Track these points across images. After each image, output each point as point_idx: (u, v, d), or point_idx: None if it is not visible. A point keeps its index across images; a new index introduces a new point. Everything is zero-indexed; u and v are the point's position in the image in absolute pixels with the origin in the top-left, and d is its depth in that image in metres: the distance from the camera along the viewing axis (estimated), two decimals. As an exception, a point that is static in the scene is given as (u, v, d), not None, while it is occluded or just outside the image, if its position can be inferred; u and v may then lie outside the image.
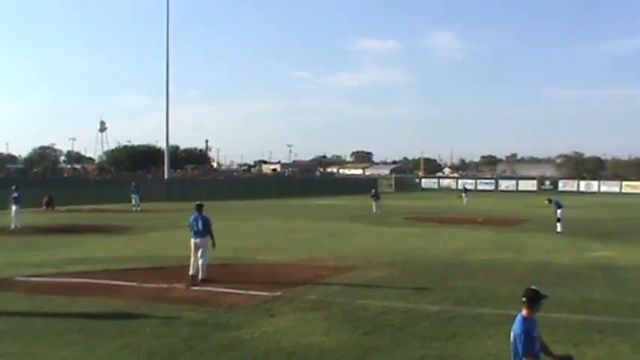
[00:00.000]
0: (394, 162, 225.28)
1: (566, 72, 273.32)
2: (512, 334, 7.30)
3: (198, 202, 19.34)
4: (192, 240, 18.51)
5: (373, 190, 56.26)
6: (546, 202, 38.17)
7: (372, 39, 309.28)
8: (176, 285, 17.68)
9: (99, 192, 62.19)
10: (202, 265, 18.27)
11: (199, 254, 18.29)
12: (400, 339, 12.36)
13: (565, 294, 16.57)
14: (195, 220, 18.59)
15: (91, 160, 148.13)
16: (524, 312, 7.35)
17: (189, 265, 18.52)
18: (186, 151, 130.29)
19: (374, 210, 50.36)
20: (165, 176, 76.38)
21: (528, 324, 7.24)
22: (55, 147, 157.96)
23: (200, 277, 18.13)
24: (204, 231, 18.48)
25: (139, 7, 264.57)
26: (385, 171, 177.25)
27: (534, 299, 7.38)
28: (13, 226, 34.54)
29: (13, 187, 37.72)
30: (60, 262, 22.04)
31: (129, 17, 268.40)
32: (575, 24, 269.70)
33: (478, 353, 11.48)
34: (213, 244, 18.67)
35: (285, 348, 11.71)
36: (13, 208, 35.47)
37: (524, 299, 7.39)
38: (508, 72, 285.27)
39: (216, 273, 19.29)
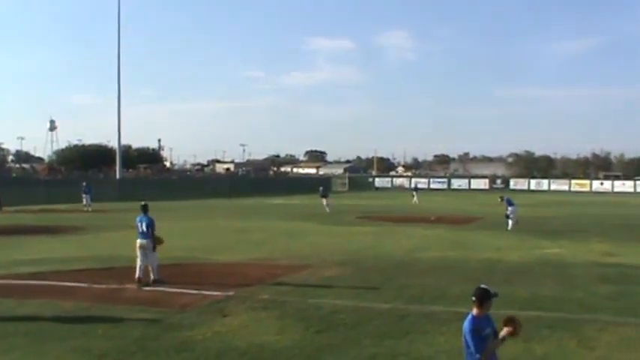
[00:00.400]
0: (348, 161, 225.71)
1: (517, 72, 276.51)
2: (463, 331, 7.36)
3: (143, 203, 19.05)
4: (138, 241, 18.16)
5: (321, 189, 55.03)
6: (499, 199, 38.61)
7: (325, 38, 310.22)
8: (128, 285, 17.51)
9: (49, 192, 61.17)
10: (152, 266, 18.00)
11: (145, 256, 17.99)
12: (353, 337, 12.39)
13: (515, 291, 16.77)
14: (140, 221, 18.29)
15: (40, 159, 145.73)
16: (474, 311, 7.41)
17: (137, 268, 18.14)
18: (138, 150, 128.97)
19: (327, 209, 49.94)
20: (117, 176, 75.70)
21: (477, 322, 7.30)
22: (3, 146, 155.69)
23: (152, 277, 17.88)
24: (148, 232, 18.17)
25: (90, 5, 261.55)
26: (339, 170, 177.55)
27: (483, 298, 7.43)
28: None
29: None
30: (8, 264, 21.69)
31: (80, 15, 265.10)
32: (526, 24, 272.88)
33: (430, 350, 11.56)
34: (154, 247, 18.18)
35: (238, 348, 11.67)
36: None
37: (473, 298, 7.45)
38: (460, 72, 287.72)
39: (168, 273, 19.14)
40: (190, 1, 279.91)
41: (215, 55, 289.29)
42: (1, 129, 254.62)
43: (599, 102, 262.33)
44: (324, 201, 51.33)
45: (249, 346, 11.79)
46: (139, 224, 18.24)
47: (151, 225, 18.25)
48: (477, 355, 7.16)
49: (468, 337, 7.22)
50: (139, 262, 18.01)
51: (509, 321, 7.34)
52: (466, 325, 7.31)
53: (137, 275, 17.85)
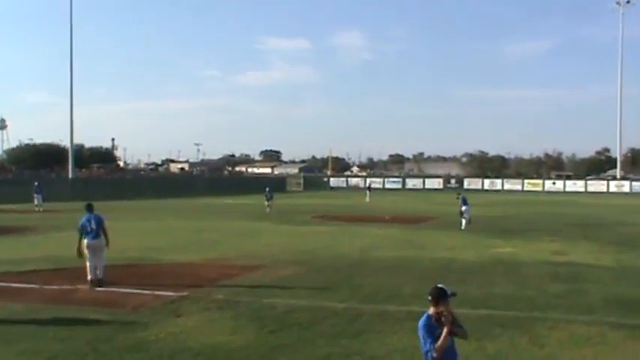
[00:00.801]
0: (303, 161, 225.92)
1: (471, 72, 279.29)
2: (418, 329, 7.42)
3: (88, 202, 18.76)
4: (86, 242, 17.63)
5: (267, 189, 52.47)
6: (456, 196, 38.89)
7: (281, 38, 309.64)
8: (80, 286, 17.31)
9: (-1, 192, 60.33)
10: (100, 266, 17.61)
11: (95, 256, 17.62)
12: (307, 337, 12.40)
13: (468, 290, 16.92)
14: (88, 220, 17.85)
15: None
16: (430, 310, 7.47)
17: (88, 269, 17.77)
18: (91, 149, 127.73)
19: (267, 210, 49.20)
20: (70, 175, 74.76)
21: (431, 321, 7.36)
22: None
23: (97, 277, 17.48)
24: (98, 231, 17.79)
25: (42, 2, 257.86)
26: (294, 170, 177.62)
27: (439, 297, 7.49)
28: None
29: None
30: (-43, 265, 21.30)
31: (32, 12, 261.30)
32: (480, 26, 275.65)
33: (384, 350, 11.61)
34: (107, 244, 17.93)
35: (191, 348, 11.61)
36: None
37: (429, 297, 7.50)
38: (415, 72, 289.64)
39: (121, 273, 19.00)
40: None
41: (170, 53, 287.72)
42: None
43: (552, 103, 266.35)
44: (268, 202, 50.43)
45: (203, 346, 11.73)
46: (88, 224, 17.80)
47: (101, 223, 17.92)
48: (427, 349, 7.21)
49: (421, 334, 7.29)
50: (88, 263, 17.65)
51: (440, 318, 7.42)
52: (420, 322, 7.37)
53: (90, 277, 17.58)
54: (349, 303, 15.46)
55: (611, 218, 45.95)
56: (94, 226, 17.77)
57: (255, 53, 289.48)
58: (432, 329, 7.29)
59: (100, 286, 17.19)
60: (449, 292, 7.54)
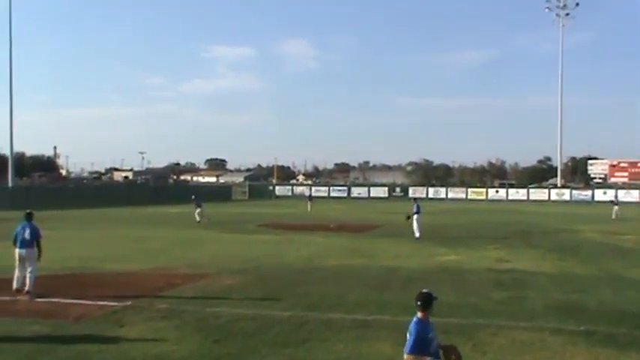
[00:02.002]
0: (248, 169, 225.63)
1: (415, 82, 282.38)
2: (407, 335, 7.45)
3: (27, 211, 18.33)
4: (17, 251, 17.23)
5: (194, 197, 50.36)
6: (412, 201, 38.98)
7: (226, 45, 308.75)
8: (19, 297, 16.97)
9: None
10: (30, 277, 17.07)
11: (25, 266, 17.18)
12: (251, 346, 12.34)
13: (412, 297, 16.98)
14: (23, 228, 17.47)
15: None
16: (419, 314, 7.54)
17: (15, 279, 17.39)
18: (32, 158, 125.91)
19: (197, 219, 47.39)
20: (10, 184, 73.45)
21: (422, 326, 7.43)
22: None
23: (27, 289, 17.02)
24: (32, 241, 17.33)
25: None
26: (239, 178, 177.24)
27: (428, 301, 7.57)
28: None
29: None
30: None
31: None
32: (425, 36, 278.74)
33: (329, 357, 11.61)
34: (39, 256, 17.41)
35: (135, 358, 11.47)
36: None
37: (418, 302, 7.58)
38: (360, 81, 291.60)
39: (62, 283, 18.71)
40: (89, 4, 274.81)
41: (114, 60, 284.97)
42: None
43: (495, 112, 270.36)
44: (197, 210, 48.50)
45: (147, 356, 11.60)
46: (21, 232, 17.41)
47: (36, 234, 17.50)
48: (406, 353, 7.27)
49: (411, 339, 7.36)
50: (16, 273, 17.27)
51: (454, 352, 7.53)
52: (412, 327, 7.46)
53: (15, 287, 17.20)
54: (294, 311, 15.43)
55: (552, 226, 46.72)
56: (27, 235, 17.33)
57: (200, 61, 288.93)
58: (424, 334, 7.38)
59: (42, 297, 16.83)
60: (434, 296, 7.67)
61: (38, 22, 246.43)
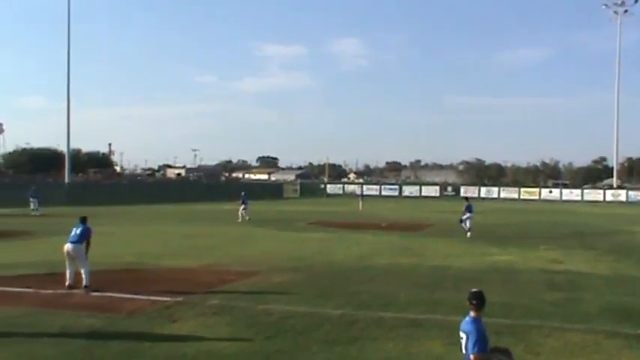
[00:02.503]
0: (300, 167, 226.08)
1: (468, 80, 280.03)
2: (462, 334, 7.39)
3: (82, 216, 18.70)
4: (65, 245, 17.67)
5: (243, 194, 48.47)
6: (465, 201, 38.77)
7: (278, 44, 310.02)
8: (75, 291, 17.26)
9: (-4, 196, 60.21)
10: (84, 272, 17.39)
11: (74, 262, 17.51)
12: (302, 343, 12.38)
13: (464, 297, 16.84)
14: (76, 227, 17.93)
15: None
16: (472, 313, 7.48)
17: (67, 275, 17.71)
18: (88, 154, 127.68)
19: (239, 219, 45.90)
20: (66, 180, 74.68)
21: (480, 324, 7.38)
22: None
23: (84, 283, 17.29)
24: (79, 238, 17.66)
25: (39, 7, 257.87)
26: (291, 176, 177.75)
27: (482, 300, 7.53)
28: None
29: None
30: (-48, 269, 21.25)
31: (30, 15, 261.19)
32: (478, 34, 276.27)
33: (379, 356, 11.60)
34: (86, 252, 17.68)
35: (186, 354, 11.58)
36: None
37: (474, 301, 7.52)
38: (412, 79, 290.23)
39: (117, 278, 18.96)
40: (142, 4, 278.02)
41: (168, 59, 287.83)
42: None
43: (549, 111, 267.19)
44: (242, 207, 47.04)
45: (198, 352, 11.71)
46: (74, 230, 17.88)
47: (85, 233, 17.82)
48: (474, 353, 7.21)
49: (472, 338, 7.29)
50: (67, 269, 17.60)
51: (510, 354, 7.49)
52: (469, 327, 7.41)
53: (68, 283, 17.51)
54: (345, 310, 15.44)
55: (607, 227, 45.97)
56: (77, 232, 17.75)
57: (252, 59, 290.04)
58: (485, 331, 7.36)
59: (97, 291, 17.12)
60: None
61: (95, 20, 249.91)
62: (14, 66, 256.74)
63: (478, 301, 7.55)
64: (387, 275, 21.27)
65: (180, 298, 16.49)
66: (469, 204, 36.93)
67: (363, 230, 39.27)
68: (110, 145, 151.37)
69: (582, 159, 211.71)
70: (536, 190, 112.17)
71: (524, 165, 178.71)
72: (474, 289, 7.78)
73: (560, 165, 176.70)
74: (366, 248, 29.41)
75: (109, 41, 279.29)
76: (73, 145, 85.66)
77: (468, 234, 34.89)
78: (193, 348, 11.96)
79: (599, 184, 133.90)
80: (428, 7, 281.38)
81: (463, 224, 35.80)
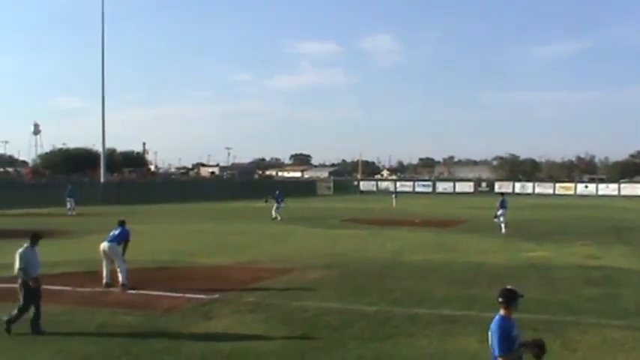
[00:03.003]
0: (333, 164, 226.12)
1: (501, 75, 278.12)
2: (489, 333, 7.36)
3: (120, 219, 18.88)
4: (101, 244, 17.91)
5: (277, 192, 47.99)
6: (500, 196, 38.59)
7: (311, 41, 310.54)
8: (112, 289, 17.45)
9: (33, 196, 60.84)
10: (121, 270, 17.59)
11: (110, 261, 17.74)
12: (338, 340, 12.41)
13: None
14: (115, 229, 18.23)
15: (24, 163, 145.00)
16: (502, 312, 7.43)
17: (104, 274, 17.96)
18: (123, 154, 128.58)
19: (273, 215, 45.35)
20: (102, 179, 75.35)
21: (505, 323, 7.32)
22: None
23: (120, 281, 17.50)
24: (117, 238, 17.90)
25: (73, 8, 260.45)
26: (324, 174, 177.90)
27: (511, 299, 7.48)
28: None
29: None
30: (-8, 267, 21.53)
31: (63, 18, 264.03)
32: (512, 28, 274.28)
33: (414, 353, 11.59)
34: (124, 252, 17.94)
35: (222, 351, 11.67)
36: None
37: (500, 299, 7.47)
38: (446, 75, 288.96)
39: (153, 276, 19.13)
40: (177, 3, 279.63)
41: (201, 58, 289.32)
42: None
43: (584, 105, 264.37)
44: (275, 205, 46.40)
45: (234, 349, 11.79)
46: (112, 231, 18.20)
47: (123, 234, 18.08)
48: (498, 356, 7.17)
49: (495, 337, 7.22)
50: (104, 268, 17.83)
51: (536, 345, 7.41)
52: (494, 325, 7.33)
53: (105, 281, 17.74)
54: (380, 306, 15.45)
55: (644, 222, 45.42)
56: (115, 232, 18.06)
57: (285, 57, 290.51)
58: (508, 332, 7.26)
59: (134, 289, 17.29)
60: (518, 293, 7.55)
61: (129, 21, 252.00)
62: (50, 67, 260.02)
63: (504, 298, 7.48)
64: (422, 271, 21.23)
65: (215, 296, 16.60)
66: (503, 199, 36.72)
67: (396, 227, 39.20)
68: (144, 144, 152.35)
69: (619, 153, 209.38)
70: (572, 185, 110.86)
71: (559, 160, 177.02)
72: (507, 287, 7.73)
73: (596, 159, 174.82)
74: (400, 245, 29.37)
75: (144, 40, 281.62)
76: (108, 145, 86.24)
77: (503, 230, 34.71)
78: (229, 345, 12.04)
79: (637, 179, 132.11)
80: (461, 2, 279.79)
81: (497, 220, 35.63)
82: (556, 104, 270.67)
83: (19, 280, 13.30)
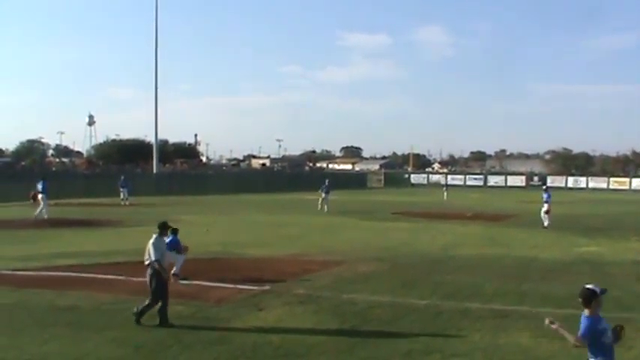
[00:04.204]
0: (384, 157, 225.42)
1: (554, 68, 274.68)
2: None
3: (173, 227, 18.56)
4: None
5: (327, 182, 47.05)
6: (544, 187, 38.19)
7: (362, 33, 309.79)
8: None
9: (87, 186, 61.84)
10: (177, 261, 17.69)
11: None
12: (387, 333, 12.42)
13: (551, 288, 16.69)
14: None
15: (79, 153, 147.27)
16: (586, 312, 7.47)
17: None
18: (175, 145, 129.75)
19: (319, 207, 45.54)
20: (154, 170, 76.20)
21: (590, 321, 7.41)
22: (43, 140, 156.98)
23: (174, 271, 17.49)
24: (168, 247, 17.83)
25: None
26: (375, 166, 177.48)
27: (589, 297, 7.46)
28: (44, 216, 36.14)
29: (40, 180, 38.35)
30: (47, 256, 21.98)
31: (117, 9, 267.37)
32: (563, 20, 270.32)
33: (465, 348, 11.54)
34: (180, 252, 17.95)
35: (273, 342, 11.74)
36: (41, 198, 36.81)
37: (580, 300, 7.49)
38: (497, 68, 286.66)
39: (204, 267, 19.32)
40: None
41: (252, 50, 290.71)
42: (41, 123, 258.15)
43: (639, 99, 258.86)
44: (323, 196, 45.97)
45: (285, 340, 11.86)
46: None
47: (174, 244, 17.61)
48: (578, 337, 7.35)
49: (581, 331, 7.37)
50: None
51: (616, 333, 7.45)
52: (580, 324, 7.44)
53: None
54: (430, 300, 15.40)
55: (702, 218, 44.48)
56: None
57: (336, 49, 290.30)
58: (594, 327, 7.37)
59: (186, 279, 17.46)
60: (598, 290, 7.48)
61: (182, 13, 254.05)
62: (104, 59, 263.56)
63: (582, 298, 7.49)
64: (473, 265, 21.11)
65: (266, 287, 16.70)
66: (547, 192, 36.31)
67: (447, 220, 39.00)
68: (196, 135, 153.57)
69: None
70: (626, 180, 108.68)
71: (613, 154, 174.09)
72: (585, 285, 7.70)
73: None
74: (450, 238, 29.25)
75: (195, 32, 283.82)
76: (161, 136, 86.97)
77: (545, 223, 34.44)
78: (280, 336, 12.11)
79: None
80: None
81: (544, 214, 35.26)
82: (610, 97, 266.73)
83: (150, 271, 13.36)
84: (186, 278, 17.60)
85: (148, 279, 13.38)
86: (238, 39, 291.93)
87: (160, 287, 13.17)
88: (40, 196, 36.85)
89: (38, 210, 36.47)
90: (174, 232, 18.43)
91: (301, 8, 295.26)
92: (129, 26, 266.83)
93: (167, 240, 18.00)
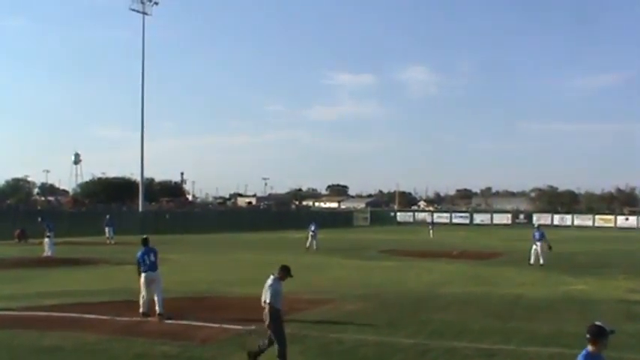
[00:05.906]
0: (370, 195, 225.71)
1: (539, 106, 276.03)
2: None
3: (144, 236, 18.84)
4: (145, 274, 17.73)
5: (314, 226, 47.23)
6: (535, 227, 38.34)
7: (347, 73, 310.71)
8: (149, 318, 17.52)
9: (73, 224, 61.57)
10: (159, 299, 17.59)
11: (153, 289, 17.69)
12: (374, 372, 12.33)
13: (538, 327, 16.65)
14: (146, 253, 17.94)
15: (65, 192, 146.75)
16: (589, 348, 7.39)
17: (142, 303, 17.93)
18: (161, 183, 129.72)
19: (307, 245, 46.02)
20: (140, 209, 76.01)
21: (593, 359, 7.30)
22: (29, 179, 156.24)
23: (158, 311, 17.49)
24: (156, 263, 17.92)
25: (113, 39, 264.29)
26: (361, 204, 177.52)
27: (598, 335, 7.42)
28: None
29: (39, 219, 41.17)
30: (31, 296, 21.80)
31: (103, 49, 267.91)
32: (549, 59, 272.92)
33: (452, 387, 11.47)
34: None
35: (259, 382, 11.64)
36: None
37: (588, 336, 7.44)
38: (482, 106, 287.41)
39: (189, 306, 19.18)
40: (212, 35, 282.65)
41: (237, 89, 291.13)
42: (27, 162, 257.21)
43: (623, 137, 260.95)
44: (312, 234, 46.45)
45: (270, 380, 11.77)
46: (145, 257, 17.90)
47: (157, 256, 18.10)
48: None
49: None
50: (144, 297, 17.75)
51: None
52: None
53: (142, 310, 17.73)
54: (417, 339, 15.33)
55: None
56: (152, 258, 17.94)
57: (322, 88, 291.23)
58: None
59: (170, 319, 17.35)
60: (607, 329, 7.46)
61: (167, 53, 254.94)
62: (90, 98, 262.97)
63: (590, 334, 7.46)
64: (459, 304, 21.06)
65: (252, 327, 16.56)
66: (540, 231, 36.41)
67: (434, 258, 38.98)
68: (182, 174, 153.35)
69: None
70: (612, 217, 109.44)
71: (598, 192, 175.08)
72: (595, 322, 7.67)
73: (637, 191, 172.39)
74: (437, 276, 29.21)
75: (181, 72, 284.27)
76: (147, 175, 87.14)
77: (541, 261, 34.55)
78: (265, 376, 12.01)
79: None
80: (498, 33, 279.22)
81: (537, 249, 35.32)
82: (595, 135, 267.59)
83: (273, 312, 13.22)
84: (171, 317, 17.46)
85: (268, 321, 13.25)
86: (225, 77, 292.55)
87: (280, 328, 13.06)
88: (48, 235, 39.23)
89: (47, 248, 38.43)
90: (146, 242, 18.34)
91: (287, 47, 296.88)
92: (114, 65, 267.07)
93: (153, 259, 17.99)
